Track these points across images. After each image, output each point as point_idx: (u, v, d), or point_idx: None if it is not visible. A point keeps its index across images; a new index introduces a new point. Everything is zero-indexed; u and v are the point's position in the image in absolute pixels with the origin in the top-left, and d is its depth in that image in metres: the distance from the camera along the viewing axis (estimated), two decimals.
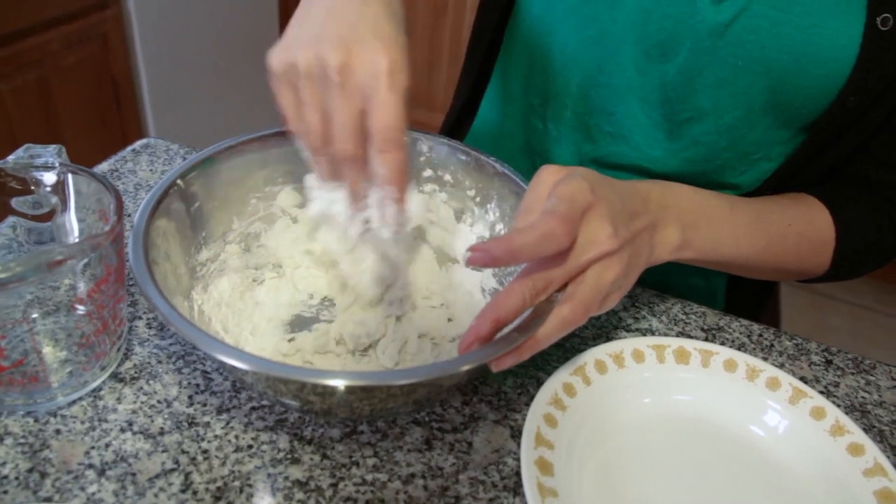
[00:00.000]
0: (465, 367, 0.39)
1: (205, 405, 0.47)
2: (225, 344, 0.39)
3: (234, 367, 0.38)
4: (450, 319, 0.57)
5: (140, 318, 0.53)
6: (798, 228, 0.57)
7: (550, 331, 0.42)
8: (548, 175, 0.46)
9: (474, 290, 0.57)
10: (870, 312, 2.12)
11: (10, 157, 0.47)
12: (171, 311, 0.40)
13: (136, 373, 0.49)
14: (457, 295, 0.58)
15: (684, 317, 0.61)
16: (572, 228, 0.41)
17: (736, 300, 0.73)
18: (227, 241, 0.56)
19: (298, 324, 0.56)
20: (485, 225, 0.57)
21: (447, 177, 0.59)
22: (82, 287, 0.45)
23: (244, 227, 0.57)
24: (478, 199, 0.58)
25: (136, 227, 0.46)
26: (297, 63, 0.45)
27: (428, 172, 0.59)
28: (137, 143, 0.74)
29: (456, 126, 0.80)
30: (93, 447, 0.44)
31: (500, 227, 0.56)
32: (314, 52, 0.44)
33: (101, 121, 1.67)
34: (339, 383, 0.37)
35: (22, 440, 0.44)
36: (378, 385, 0.39)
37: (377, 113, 0.44)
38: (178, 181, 0.51)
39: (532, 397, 0.49)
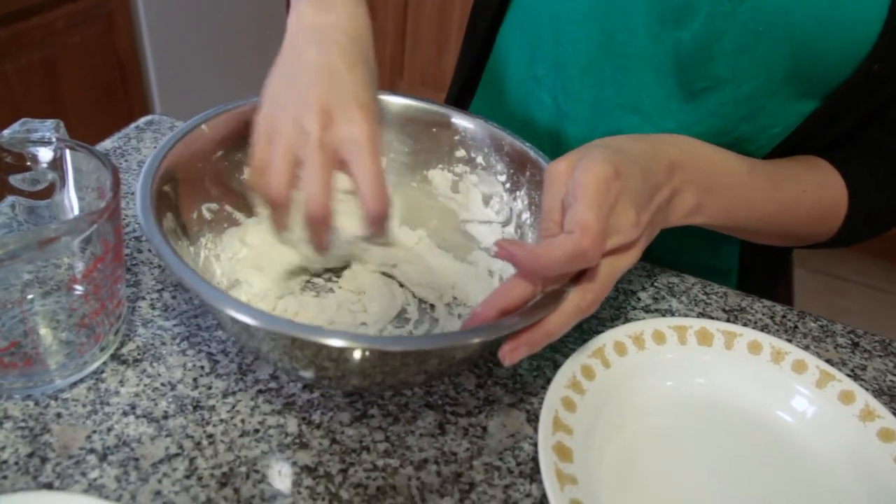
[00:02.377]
0: (478, 340, 0.38)
1: (210, 388, 0.46)
2: (239, 301, 0.38)
3: (246, 325, 0.37)
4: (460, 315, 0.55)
5: (143, 298, 0.52)
6: (812, 195, 0.55)
7: (564, 320, 0.41)
8: (556, 168, 0.44)
9: (492, 277, 0.55)
10: (882, 294, 2.09)
11: (6, 132, 0.45)
12: (176, 262, 0.39)
13: (139, 355, 0.47)
14: (470, 279, 0.56)
15: (705, 297, 0.58)
16: (604, 243, 0.40)
17: (748, 280, 0.71)
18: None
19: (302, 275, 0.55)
20: (511, 212, 0.55)
21: (479, 159, 0.56)
22: (80, 267, 0.43)
23: None
24: (507, 186, 0.55)
25: (144, 176, 0.45)
26: (279, 122, 0.46)
27: (461, 153, 0.57)
28: (142, 120, 0.73)
29: (456, 103, 0.78)
30: (94, 431, 0.42)
31: (526, 216, 0.54)
32: (296, 114, 0.46)
33: (106, 101, 1.65)
34: (356, 344, 0.37)
35: (22, 424, 0.42)
36: (399, 350, 0.38)
37: (364, 178, 0.45)
38: (203, 126, 0.50)
39: (549, 380, 0.47)
